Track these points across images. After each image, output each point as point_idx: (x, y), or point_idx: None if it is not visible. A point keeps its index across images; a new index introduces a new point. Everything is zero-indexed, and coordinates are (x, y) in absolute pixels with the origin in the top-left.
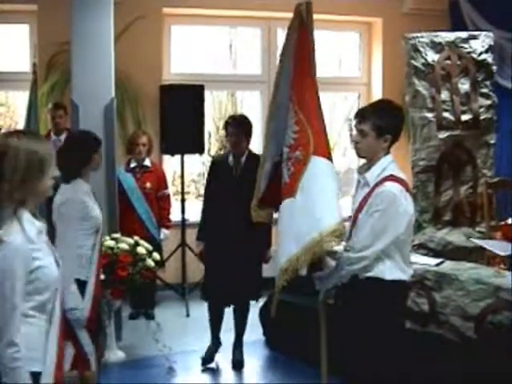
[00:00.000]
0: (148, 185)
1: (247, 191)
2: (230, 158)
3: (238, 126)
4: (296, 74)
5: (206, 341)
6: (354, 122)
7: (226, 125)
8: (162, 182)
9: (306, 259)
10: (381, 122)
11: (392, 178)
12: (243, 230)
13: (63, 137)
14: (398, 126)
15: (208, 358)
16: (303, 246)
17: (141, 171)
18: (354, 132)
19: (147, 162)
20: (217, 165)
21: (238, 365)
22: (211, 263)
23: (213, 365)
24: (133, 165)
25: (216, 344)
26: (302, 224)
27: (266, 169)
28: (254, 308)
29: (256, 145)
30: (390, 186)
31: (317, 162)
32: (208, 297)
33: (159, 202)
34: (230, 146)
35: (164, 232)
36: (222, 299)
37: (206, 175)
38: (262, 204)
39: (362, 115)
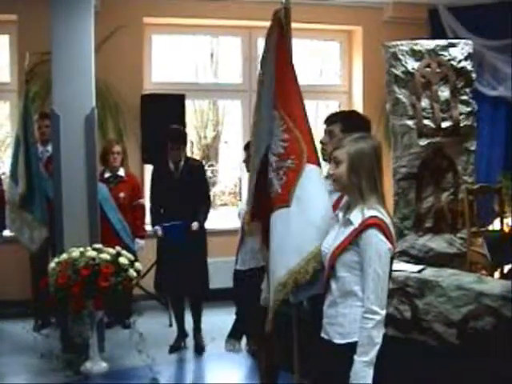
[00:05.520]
0: (122, 195)
1: (187, 190)
2: (171, 165)
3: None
4: (279, 81)
5: (190, 350)
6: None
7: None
8: (136, 191)
9: (310, 270)
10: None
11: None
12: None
13: (50, 147)
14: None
15: (175, 347)
16: (306, 256)
17: (115, 181)
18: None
19: (121, 172)
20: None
21: (200, 349)
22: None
23: None
24: (107, 175)
25: (182, 335)
26: (301, 234)
27: (252, 182)
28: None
29: (237, 154)
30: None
31: (311, 170)
32: (162, 289)
33: (133, 211)
34: (171, 156)
35: (138, 242)
36: (176, 291)
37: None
38: (252, 218)
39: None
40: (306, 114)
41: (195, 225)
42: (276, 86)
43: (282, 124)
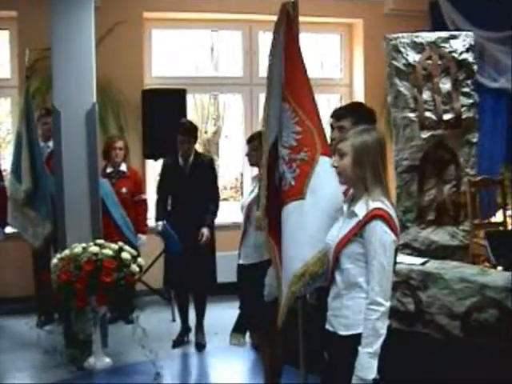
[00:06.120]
0: (124, 190)
1: (197, 185)
2: (180, 160)
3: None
4: (290, 74)
5: (193, 345)
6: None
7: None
8: (138, 186)
9: (325, 261)
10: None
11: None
12: None
13: (51, 143)
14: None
15: (178, 342)
16: (321, 247)
17: (117, 176)
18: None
19: (123, 168)
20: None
21: (200, 347)
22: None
23: None
24: (109, 170)
25: (185, 330)
26: (316, 226)
27: (264, 176)
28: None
29: (238, 148)
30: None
31: (324, 162)
32: (169, 284)
33: (135, 207)
34: (181, 150)
35: (140, 237)
36: (182, 286)
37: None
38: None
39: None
40: (316, 106)
41: (205, 232)
42: (286, 79)
43: (293, 116)
